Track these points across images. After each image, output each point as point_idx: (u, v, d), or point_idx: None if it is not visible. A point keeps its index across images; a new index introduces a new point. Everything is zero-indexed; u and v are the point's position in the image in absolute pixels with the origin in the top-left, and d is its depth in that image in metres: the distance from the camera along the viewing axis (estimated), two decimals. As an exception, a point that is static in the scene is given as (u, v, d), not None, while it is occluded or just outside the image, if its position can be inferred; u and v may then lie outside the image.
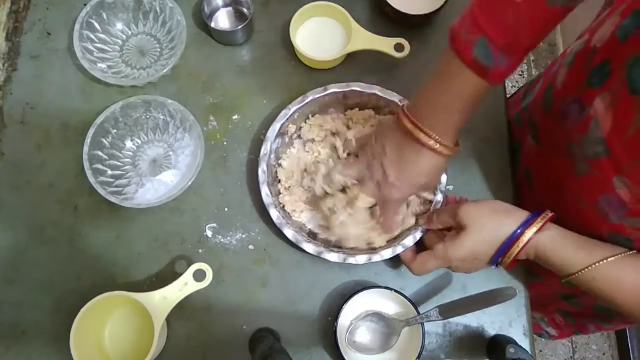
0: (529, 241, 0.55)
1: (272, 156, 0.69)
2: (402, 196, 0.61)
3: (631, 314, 0.53)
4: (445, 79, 0.54)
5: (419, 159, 0.57)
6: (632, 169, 0.47)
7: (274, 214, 0.66)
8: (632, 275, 0.51)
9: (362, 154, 0.65)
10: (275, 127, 0.69)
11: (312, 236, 0.68)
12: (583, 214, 0.56)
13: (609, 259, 0.52)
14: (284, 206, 0.69)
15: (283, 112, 0.70)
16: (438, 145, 0.55)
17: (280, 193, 0.70)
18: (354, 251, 0.67)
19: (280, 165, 0.71)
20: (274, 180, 0.70)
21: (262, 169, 0.67)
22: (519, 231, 0.55)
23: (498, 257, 0.58)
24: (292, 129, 0.72)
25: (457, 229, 0.60)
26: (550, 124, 0.63)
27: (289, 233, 0.66)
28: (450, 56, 0.52)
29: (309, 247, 0.65)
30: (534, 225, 0.55)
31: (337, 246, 0.68)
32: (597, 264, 0.52)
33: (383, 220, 0.65)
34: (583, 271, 0.52)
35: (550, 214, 0.56)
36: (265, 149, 0.68)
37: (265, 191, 0.67)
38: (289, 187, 0.70)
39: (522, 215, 0.57)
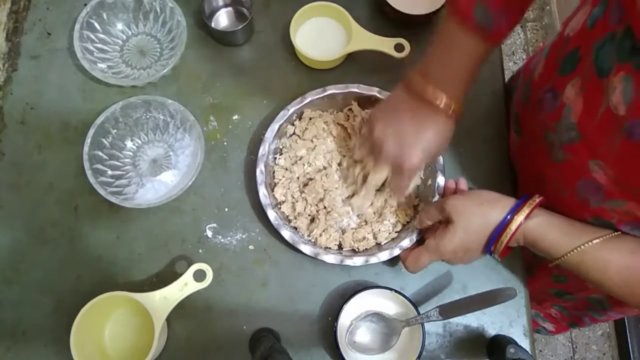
0: (518, 227, 0.55)
1: (270, 157, 0.69)
2: (419, 162, 0.60)
3: (618, 295, 0.53)
4: (449, 45, 0.57)
5: (433, 123, 0.58)
6: (605, 151, 0.47)
7: (272, 214, 0.66)
8: (617, 256, 0.52)
9: (370, 129, 0.63)
10: (274, 127, 0.69)
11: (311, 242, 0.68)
12: (565, 202, 0.56)
13: (594, 241, 0.52)
14: (281, 207, 0.69)
15: (282, 112, 0.70)
16: (449, 107, 0.57)
17: (275, 198, 0.70)
18: (351, 253, 0.67)
19: (277, 164, 0.71)
20: (272, 180, 0.70)
21: (260, 170, 0.67)
22: (508, 217, 0.56)
23: (490, 246, 0.58)
24: (291, 129, 0.72)
25: (445, 222, 0.60)
26: (528, 115, 0.64)
27: (286, 234, 0.65)
28: (451, 23, 0.55)
29: (306, 249, 0.65)
30: (522, 212, 0.56)
31: (338, 248, 0.68)
32: (583, 246, 0.52)
33: (395, 185, 0.64)
34: (570, 254, 0.53)
35: (538, 199, 0.57)
36: (264, 149, 0.68)
37: (262, 192, 0.67)
38: (286, 195, 0.70)
39: (509, 202, 0.57)
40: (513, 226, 0.55)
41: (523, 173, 0.71)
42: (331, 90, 0.70)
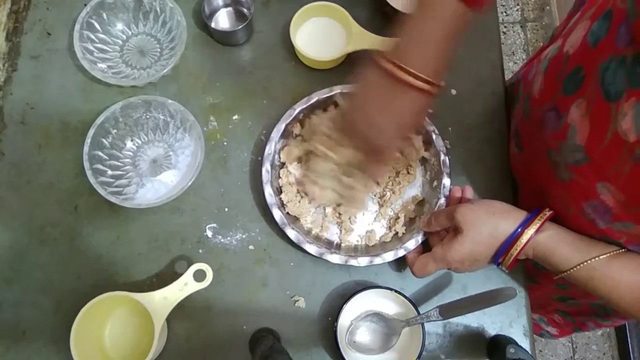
0: (528, 241, 0.55)
1: (276, 156, 0.69)
2: (389, 141, 0.57)
3: (627, 312, 0.53)
4: (425, 9, 0.52)
5: (403, 99, 0.54)
6: (613, 174, 0.46)
7: (277, 214, 0.66)
8: (627, 273, 0.51)
9: (343, 107, 0.61)
10: (280, 127, 0.69)
11: (316, 239, 0.69)
12: (571, 220, 0.56)
13: (602, 256, 0.52)
14: (286, 207, 0.69)
15: (288, 112, 0.70)
16: (422, 83, 0.52)
17: (281, 191, 0.70)
18: (355, 253, 0.67)
19: (283, 166, 0.71)
20: (277, 180, 0.70)
21: (266, 169, 0.67)
22: (519, 230, 0.55)
23: (498, 258, 0.57)
24: (297, 129, 0.72)
25: (454, 230, 0.60)
26: (530, 131, 0.63)
27: (291, 233, 0.65)
28: None
29: (311, 248, 0.65)
30: (533, 225, 0.55)
31: (339, 247, 0.68)
32: (591, 261, 0.52)
33: (371, 169, 0.62)
34: (577, 267, 0.53)
35: (549, 213, 0.56)
36: (270, 148, 0.68)
37: (268, 191, 0.67)
38: (293, 195, 0.70)
39: (520, 215, 0.57)
40: (523, 239, 0.55)
41: (525, 188, 0.69)
42: (338, 89, 0.70)
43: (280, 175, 0.70)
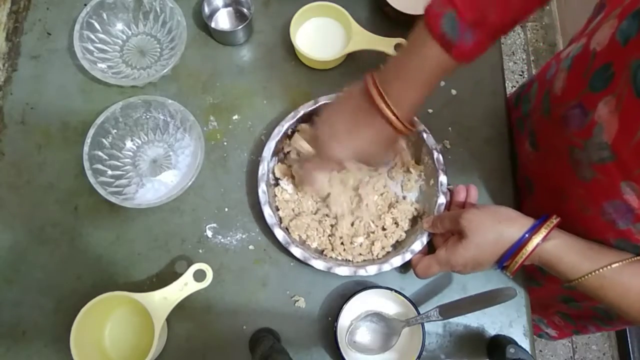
0: (534, 249, 0.54)
1: (270, 175, 0.69)
2: (340, 157, 0.60)
3: (636, 320, 0.53)
4: (412, 50, 0.54)
5: (370, 127, 0.57)
6: None
7: (279, 233, 0.65)
8: (638, 281, 0.51)
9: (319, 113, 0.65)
10: (270, 145, 0.68)
11: (321, 253, 0.68)
12: (588, 221, 0.55)
13: (613, 265, 0.51)
14: (287, 227, 0.69)
15: (276, 129, 0.69)
16: (393, 116, 0.55)
17: (279, 208, 0.69)
18: (363, 263, 0.66)
19: (277, 184, 0.71)
20: (274, 198, 0.70)
21: (262, 189, 0.67)
22: (525, 237, 0.55)
23: (503, 263, 0.57)
24: (287, 146, 0.71)
25: (459, 234, 0.60)
26: (549, 130, 0.63)
27: (297, 252, 0.65)
28: (421, 28, 0.53)
29: (318, 264, 0.64)
30: (540, 233, 0.55)
31: (346, 260, 0.68)
32: (601, 270, 0.51)
33: (307, 167, 0.65)
34: (587, 277, 0.52)
35: (556, 220, 0.56)
36: (263, 168, 0.68)
37: (267, 212, 0.66)
38: (295, 214, 0.70)
39: (527, 222, 0.56)
40: (529, 247, 0.54)
41: (540, 188, 0.69)
42: (323, 100, 0.69)
43: (276, 194, 0.70)
